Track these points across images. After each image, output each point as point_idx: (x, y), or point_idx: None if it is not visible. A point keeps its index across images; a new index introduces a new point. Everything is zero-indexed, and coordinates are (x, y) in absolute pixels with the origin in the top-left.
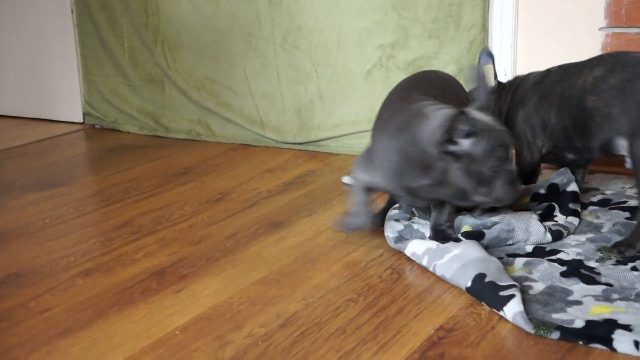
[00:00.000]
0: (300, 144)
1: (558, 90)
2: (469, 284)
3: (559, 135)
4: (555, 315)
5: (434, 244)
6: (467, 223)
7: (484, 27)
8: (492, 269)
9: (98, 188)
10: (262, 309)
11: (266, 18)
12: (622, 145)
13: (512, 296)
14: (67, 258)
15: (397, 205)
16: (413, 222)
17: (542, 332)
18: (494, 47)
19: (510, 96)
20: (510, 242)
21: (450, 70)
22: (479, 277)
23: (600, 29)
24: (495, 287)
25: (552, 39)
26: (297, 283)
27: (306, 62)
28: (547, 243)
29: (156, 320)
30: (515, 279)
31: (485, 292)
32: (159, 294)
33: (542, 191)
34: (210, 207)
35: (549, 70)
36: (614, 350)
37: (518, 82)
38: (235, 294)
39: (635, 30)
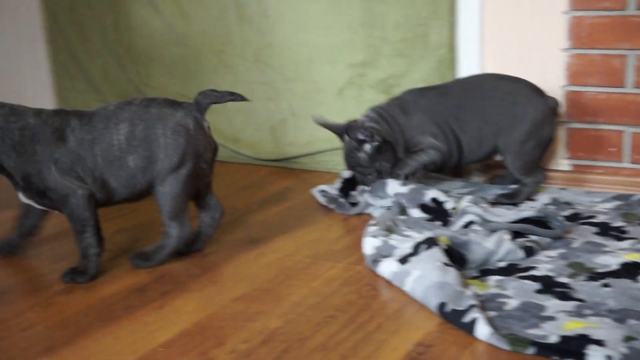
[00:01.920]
0: (275, 160)
1: (97, 151)
2: (435, 310)
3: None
4: (529, 331)
5: (395, 265)
6: (444, 235)
7: (452, 47)
8: (451, 294)
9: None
10: (243, 325)
11: (237, 35)
12: None
13: (475, 320)
14: (48, 275)
15: (373, 222)
16: (390, 238)
17: (518, 348)
18: (462, 66)
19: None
20: (486, 264)
21: None
22: (441, 307)
23: (563, 49)
24: (457, 314)
25: (517, 58)
26: (277, 300)
27: (278, 79)
28: (521, 259)
29: (139, 336)
30: (490, 296)
31: (451, 320)
32: (141, 310)
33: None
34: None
35: (68, 124)
36: None
37: None
38: (217, 310)
39: (596, 51)
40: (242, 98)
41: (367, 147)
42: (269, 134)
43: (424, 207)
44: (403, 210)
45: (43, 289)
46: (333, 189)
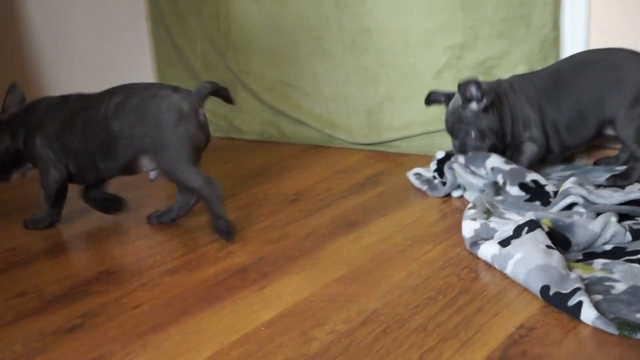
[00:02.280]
0: (371, 144)
1: (81, 117)
2: (537, 294)
3: (81, 157)
4: (639, 315)
5: (496, 248)
6: (546, 217)
7: (556, 26)
8: (555, 277)
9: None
10: (342, 306)
11: (334, 21)
12: (145, 164)
13: (580, 303)
14: (153, 257)
15: (471, 205)
16: (490, 221)
17: (626, 332)
18: (567, 46)
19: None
20: (591, 247)
21: (520, 69)
22: (544, 290)
23: None
24: (561, 297)
25: (626, 36)
26: (376, 281)
27: (375, 64)
28: (628, 243)
29: (242, 316)
30: (596, 279)
31: (555, 303)
32: (243, 291)
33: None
34: (287, 208)
35: (67, 98)
36: None
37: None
38: (316, 291)
39: None
40: (231, 101)
41: (474, 105)
42: (365, 118)
43: (522, 186)
44: (497, 192)
45: (148, 270)
46: (428, 171)
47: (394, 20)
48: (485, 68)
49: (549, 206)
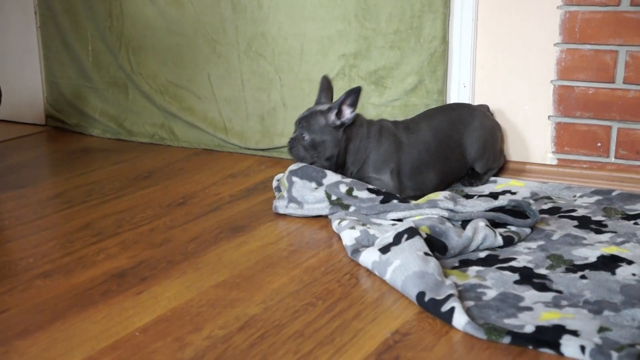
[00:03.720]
0: (263, 150)
1: None
2: (413, 300)
3: None
4: (506, 321)
5: (377, 255)
6: (424, 224)
7: (444, 40)
8: (430, 283)
9: (59, 190)
10: (221, 311)
11: (230, 24)
12: None
13: (452, 309)
14: (26, 259)
15: (338, 219)
16: (369, 228)
17: (493, 337)
18: (454, 60)
19: None
20: (465, 253)
21: (410, 81)
22: (420, 296)
23: (555, 44)
24: (435, 303)
25: (509, 52)
26: (257, 287)
27: (270, 69)
28: (499, 248)
29: (116, 321)
30: (470, 286)
31: (429, 309)
32: (119, 296)
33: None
34: (173, 211)
35: None
36: (562, 354)
37: None
38: (196, 296)
39: (588, 46)
40: None
41: (332, 116)
42: (258, 123)
43: (370, 190)
44: (345, 207)
45: (20, 273)
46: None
47: (290, 26)
48: (377, 78)
49: (415, 208)
